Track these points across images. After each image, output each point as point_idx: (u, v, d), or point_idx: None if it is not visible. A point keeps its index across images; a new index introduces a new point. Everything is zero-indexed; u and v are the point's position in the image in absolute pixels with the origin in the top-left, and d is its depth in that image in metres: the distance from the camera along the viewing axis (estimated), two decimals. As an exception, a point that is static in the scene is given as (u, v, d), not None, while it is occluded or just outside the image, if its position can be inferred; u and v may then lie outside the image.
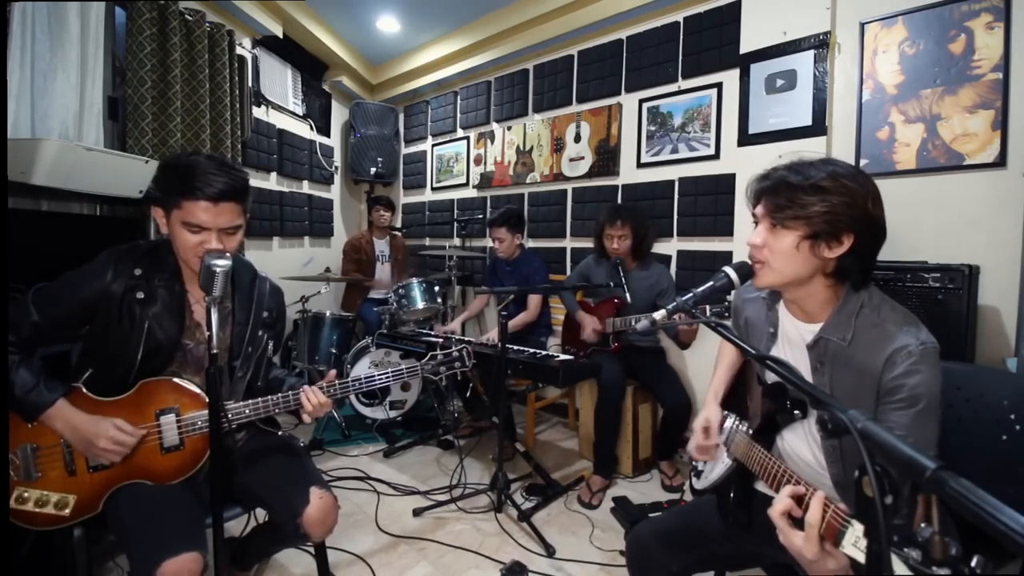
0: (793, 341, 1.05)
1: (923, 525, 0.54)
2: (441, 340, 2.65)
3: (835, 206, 0.89)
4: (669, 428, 2.50)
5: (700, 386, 2.72)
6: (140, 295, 1.23)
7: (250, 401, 1.30)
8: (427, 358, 1.53)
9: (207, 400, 1.22)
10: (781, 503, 0.80)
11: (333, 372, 1.38)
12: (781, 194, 0.93)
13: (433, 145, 4.40)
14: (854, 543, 0.68)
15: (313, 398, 1.31)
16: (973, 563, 0.52)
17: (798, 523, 0.77)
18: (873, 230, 0.92)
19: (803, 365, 1.01)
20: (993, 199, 1.93)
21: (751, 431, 1.09)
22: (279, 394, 1.32)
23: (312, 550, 1.59)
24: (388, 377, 1.45)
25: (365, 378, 1.40)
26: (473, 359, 1.59)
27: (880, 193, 0.93)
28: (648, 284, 2.56)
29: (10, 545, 1.26)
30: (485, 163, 3.92)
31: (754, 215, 1.01)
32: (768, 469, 0.96)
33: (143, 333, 1.22)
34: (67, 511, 1.17)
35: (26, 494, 1.16)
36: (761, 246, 0.97)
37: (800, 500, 0.79)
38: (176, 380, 1.26)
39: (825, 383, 0.97)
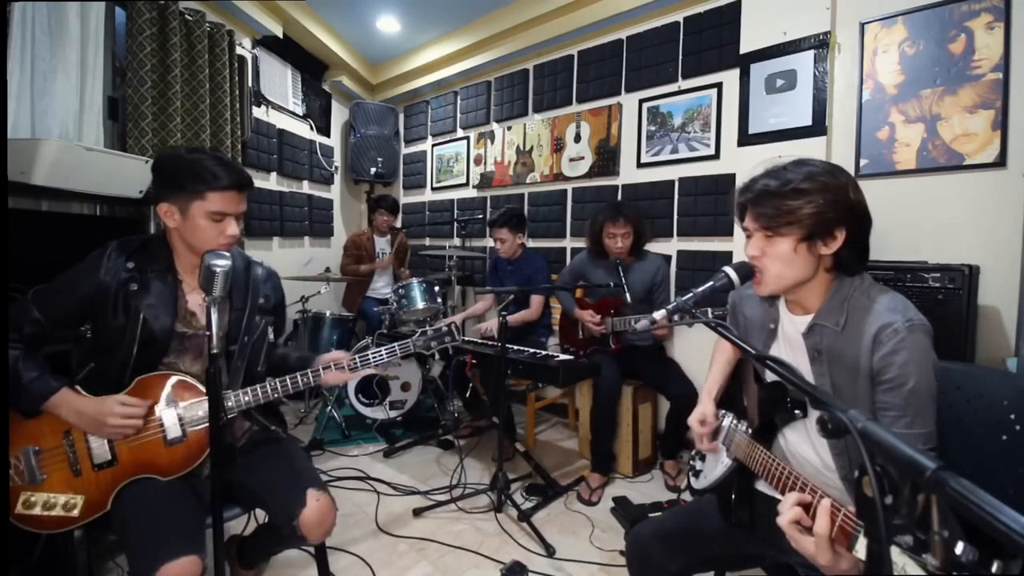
0: (791, 337, 1.05)
1: (938, 526, 0.53)
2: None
3: (821, 205, 0.91)
4: (675, 422, 2.49)
5: (700, 383, 2.72)
6: (133, 287, 1.25)
7: (248, 388, 1.31)
8: (418, 334, 1.53)
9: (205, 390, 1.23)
10: (789, 512, 0.79)
11: (342, 354, 1.42)
12: (766, 203, 0.95)
13: (433, 145, 4.40)
14: (867, 547, 0.68)
15: (337, 377, 1.39)
16: (994, 568, 0.51)
17: (808, 530, 0.77)
18: (861, 217, 0.95)
19: (802, 357, 1.02)
20: (993, 199, 1.93)
21: (750, 431, 1.09)
22: (291, 375, 1.34)
23: (312, 550, 1.59)
24: (384, 354, 1.44)
25: (373, 353, 1.42)
26: (461, 332, 1.60)
27: (856, 181, 0.96)
28: (645, 277, 2.56)
29: (18, 549, 1.26)
30: (485, 163, 3.92)
31: (744, 228, 1.02)
32: (771, 471, 0.96)
33: (139, 323, 1.24)
34: (76, 512, 1.17)
35: (33, 498, 1.15)
36: (760, 256, 0.98)
37: (807, 508, 0.79)
38: (174, 374, 1.27)
39: (824, 372, 0.98)
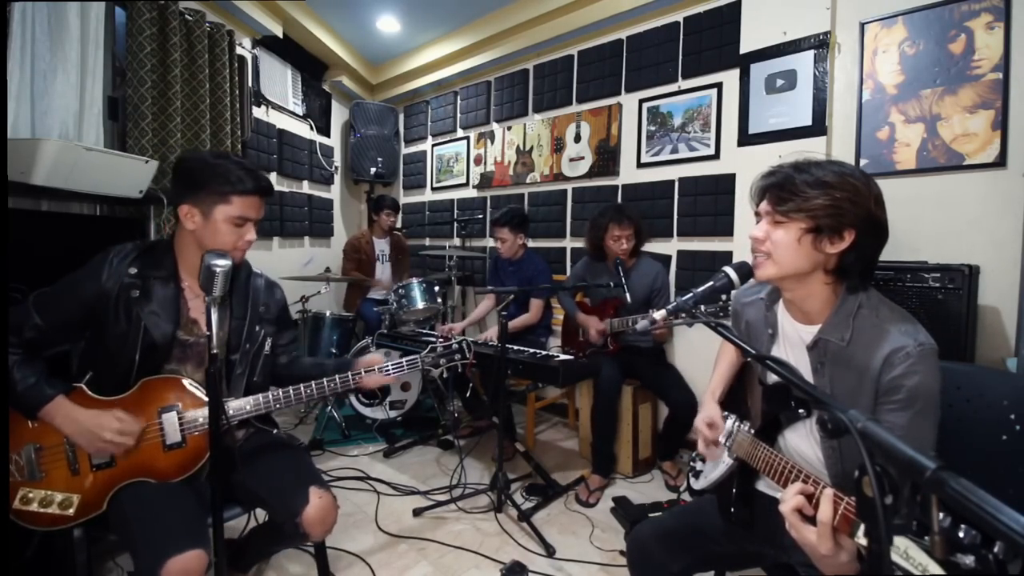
0: (792, 342, 1.05)
1: (941, 515, 0.54)
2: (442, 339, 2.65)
3: (838, 200, 0.90)
4: (674, 428, 2.49)
5: (699, 385, 2.72)
6: (135, 293, 1.24)
7: (250, 397, 1.32)
8: (427, 350, 1.55)
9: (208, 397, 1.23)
10: (792, 500, 0.79)
11: (377, 356, 1.46)
12: (785, 188, 0.94)
13: (433, 145, 4.40)
14: (868, 534, 0.68)
15: (372, 380, 1.42)
16: (996, 548, 0.51)
17: (809, 519, 0.77)
18: (875, 229, 0.93)
19: (803, 366, 1.01)
20: (993, 199, 1.93)
21: (753, 431, 1.09)
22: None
23: (312, 550, 1.59)
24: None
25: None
26: (472, 352, 1.61)
27: (883, 197, 0.94)
28: (644, 282, 2.56)
29: (11, 546, 1.26)
30: (485, 163, 3.92)
31: (757, 213, 1.02)
32: (774, 466, 0.96)
33: (140, 330, 1.24)
34: (71, 511, 1.17)
35: (31, 494, 1.16)
36: (763, 239, 0.97)
37: (810, 498, 0.80)
38: (177, 378, 1.27)
39: (825, 384, 0.98)
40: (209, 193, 1.23)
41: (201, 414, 1.25)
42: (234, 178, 1.23)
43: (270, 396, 1.33)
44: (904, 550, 0.57)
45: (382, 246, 3.89)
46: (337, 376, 1.38)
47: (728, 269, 0.97)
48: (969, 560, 0.52)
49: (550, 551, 1.92)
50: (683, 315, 0.96)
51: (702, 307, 2.00)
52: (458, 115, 4.15)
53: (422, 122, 4.48)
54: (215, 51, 2.97)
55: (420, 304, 2.91)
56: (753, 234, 1.00)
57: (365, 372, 1.41)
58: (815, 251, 0.93)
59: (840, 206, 0.90)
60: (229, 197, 1.23)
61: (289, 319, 1.57)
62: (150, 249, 1.31)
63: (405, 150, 4.66)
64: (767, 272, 0.98)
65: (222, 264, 1.09)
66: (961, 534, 0.53)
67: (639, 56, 3.01)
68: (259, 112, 3.60)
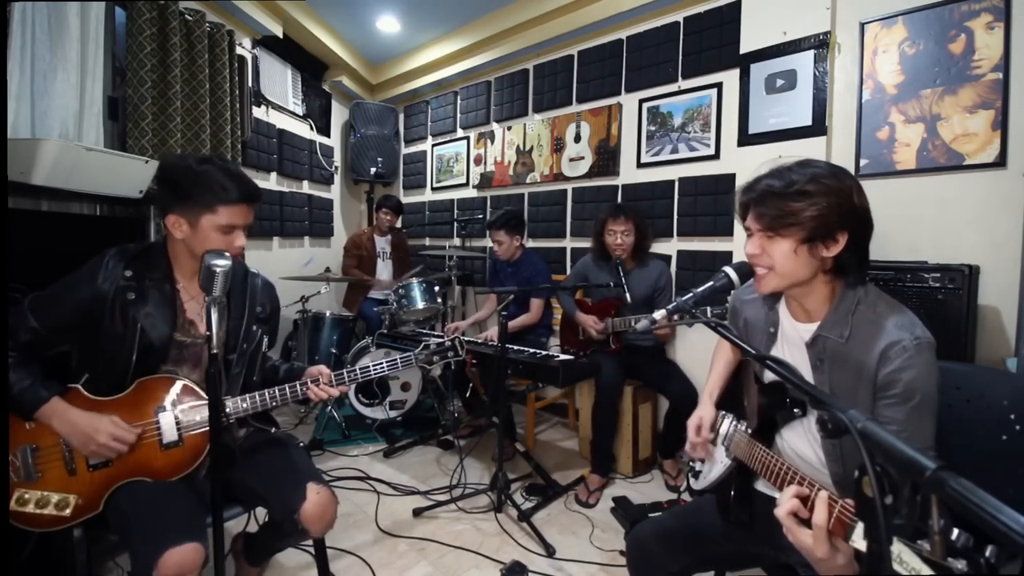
0: (792, 340, 1.05)
1: (935, 519, 0.54)
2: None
3: (824, 208, 0.91)
4: (675, 421, 2.48)
5: (700, 385, 2.71)
6: (131, 296, 1.24)
7: (247, 396, 1.32)
8: (420, 347, 1.56)
9: (205, 395, 1.25)
10: (787, 503, 0.79)
11: (326, 370, 1.42)
12: (769, 203, 0.95)
13: (433, 145, 4.40)
14: (863, 536, 0.68)
15: (321, 392, 1.38)
16: (988, 552, 0.52)
17: (805, 522, 0.77)
18: (863, 222, 0.94)
19: (803, 364, 1.02)
20: (993, 199, 1.93)
21: (750, 430, 1.09)
22: (280, 387, 1.35)
23: (312, 549, 1.59)
24: (383, 367, 1.47)
25: (361, 369, 1.43)
26: (464, 349, 1.61)
27: (860, 184, 0.95)
28: (648, 283, 2.56)
29: (10, 546, 1.26)
30: (485, 163, 3.92)
31: (746, 228, 1.02)
32: (770, 467, 0.96)
33: (136, 333, 1.24)
34: (68, 511, 1.17)
35: (27, 495, 1.16)
36: (760, 255, 0.98)
37: (805, 501, 0.80)
38: (174, 378, 1.27)
39: (825, 381, 0.98)
40: (194, 203, 1.21)
41: (198, 413, 1.25)
42: (218, 187, 1.21)
43: (266, 395, 1.33)
44: (897, 554, 0.57)
45: (383, 244, 3.90)
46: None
47: (728, 269, 0.97)
48: (961, 564, 0.52)
49: (550, 551, 1.92)
50: (684, 315, 0.96)
51: (708, 308, 2.01)
52: (458, 115, 4.15)
53: (422, 122, 4.48)
54: (215, 51, 2.97)
55: (420, 304, 2.91)
56: (749, 251, 1.00)
57: (311, 382, 1.38)
58: (812, 258, 0.94)
59: (827, 213, 0.90)
60: (215, 207, 1.22)
61: (277, 320, 1.57)
62: (145, 251, 1.31)
63: (405, 150, 4.66)
64: (770, 286, 0.99)
65: (222, 264, 1.09)
66: (953, 537, 0.53)
67: (639, 56, 3.01)
68: (259, 112, 3.60)
